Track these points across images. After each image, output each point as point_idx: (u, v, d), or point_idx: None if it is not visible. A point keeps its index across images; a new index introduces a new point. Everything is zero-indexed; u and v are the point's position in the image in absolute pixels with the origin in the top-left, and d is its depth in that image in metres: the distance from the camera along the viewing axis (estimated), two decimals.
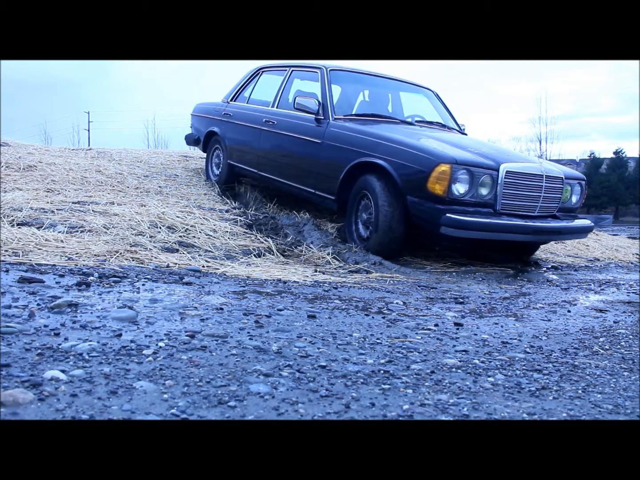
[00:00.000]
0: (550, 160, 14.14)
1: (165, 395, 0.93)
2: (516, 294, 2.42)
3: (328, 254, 3.33)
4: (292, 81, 4.67)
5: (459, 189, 3.18)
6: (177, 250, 3.06)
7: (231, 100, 5.38)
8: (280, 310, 1.80)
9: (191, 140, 5.96)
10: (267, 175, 4.58)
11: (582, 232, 3.85)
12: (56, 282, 1.96)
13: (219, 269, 2.76)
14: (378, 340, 1.44)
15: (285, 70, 4.72)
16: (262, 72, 5.13)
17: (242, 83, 5.34)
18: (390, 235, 3.39)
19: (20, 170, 4.72)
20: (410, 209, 3.31)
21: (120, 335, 1.32)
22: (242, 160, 4.96)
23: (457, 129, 4.52)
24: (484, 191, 3.26)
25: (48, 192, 4.16)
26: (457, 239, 3.49)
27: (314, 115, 3.96)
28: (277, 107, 4.62)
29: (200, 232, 3.49)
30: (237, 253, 3.26)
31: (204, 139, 5.64)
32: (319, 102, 3.97)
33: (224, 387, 0.99)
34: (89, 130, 31.88)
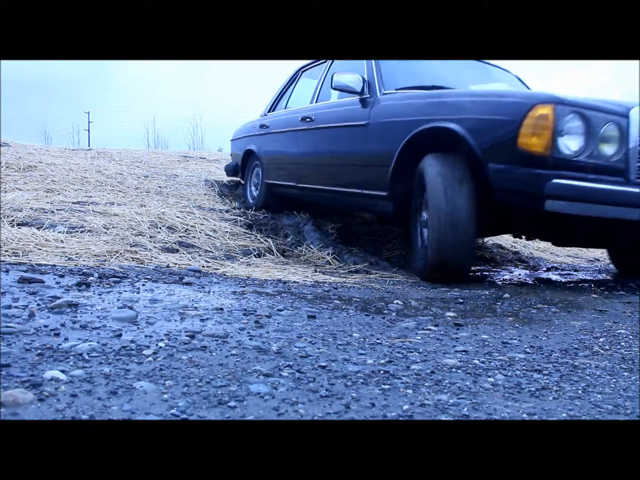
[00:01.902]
0: None
1: (165, 396, 0.93)
2: (516, 294, 2.42)
3: (328, 254, 3.32)
4: (333, 73, 3.65)
5: (569, 144, 2.13)
6: (177, 251, 3.06)
7: (269, 111, 4.84)
8: (280, 310, 1.80)
9: (230, 168, 5.37)
10: (307, 186, 3.84)
11: None
12: (56, 282, 1.96)
13: (219, 269, 2.76)
14: (378, 341, 1.44)
15: (325, 62, 3.98)
16: (302, 72, 4.50)
17: (280, 90, 4.79)
18: (452, 238, 2.33)
19: (20, 170, 4.72)
20: (494, 182, 2.29)
21: (120, 335, 1.32)
22: (279, 175, 4.29)
23: None
24: (608, 149, 2.17)
25: (48, 192, 4.16)
26: (570, 224, 2.35)
27: (357, 96, 3.15)
28: (316, 102, 3.89)
29: (200, 232, 3.49)
30: (237, 253, 3.26)
31: (241, 161, 5.07)
32: (363, 79, 3.07)
33: (224, 387, 0.99)
34: (89, 131, 31.87)
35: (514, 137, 2.18)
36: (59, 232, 3.02)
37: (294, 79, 4.62)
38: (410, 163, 2.66)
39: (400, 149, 2.70)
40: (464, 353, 1.35)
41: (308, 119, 3.77)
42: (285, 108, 4.57)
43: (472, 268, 3.76)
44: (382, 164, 2.84)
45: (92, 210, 3.64)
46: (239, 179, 5.34)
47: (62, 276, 2.09)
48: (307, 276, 2.76)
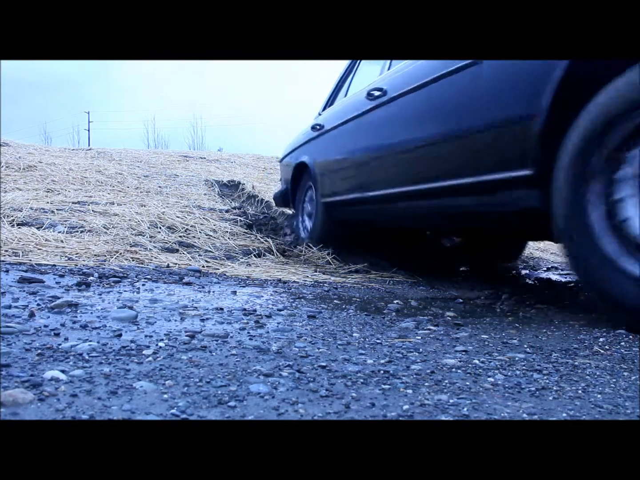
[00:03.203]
0: None
1: (165, 395, 0.93)
2: (516, 294, 2.41)
3: (328, 254, 3.32)
4: None
5: None
6: (177, 251, 3.06)
7: (324, 109, 3.89)
8: (280, 310, 1.80)
9: (278, 196, 4.44)
10: (380, 194, 2.70)
11: None
12: (56, 282, 1.96)
13: (219, 269, 2.76)
14: (378, 341, 1.44)
15: None
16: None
17: (337, 82, 3.85)
18: None
19: (20, 170, 4.72)
20: None
21: (120, 335, 1.32)
22: (340, 187, 3.23)
23: None
24: None
25: (48, 192, 4.16)
26: None
27: None
28: (388, 70, 2.83)
29: (200, 232, 3.49)
30: (237, 253, 3.26)
31: (290, 183, 4.10)
32: None
33: (224, 387, 0.99)
34: (89, 130, 31.89)
35: None
36: (59, 232, 3.02)
37: (353, 67, 3.67)
38: (570, 112, 1.57)
39: (560, 81, 1.58)
40: (464, 353, 1.35)
41: (377, 93, 2.76)
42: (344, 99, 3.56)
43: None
44: (517, 120, 1.75)
45: (92, 210, 3.64)
46: (289, 210, 4.42)
47: (62, 276, 2.09)
48: (307, 276, 2.76)
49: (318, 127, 3.68)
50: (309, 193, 3.90)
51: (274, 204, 4.84)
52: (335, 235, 3.48)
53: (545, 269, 3.88)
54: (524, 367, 1.24)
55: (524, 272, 3.64)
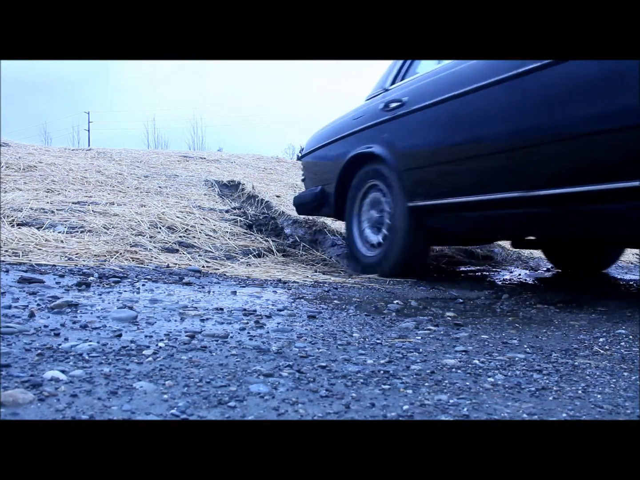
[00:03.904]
0: None
1: (165, 396, 0.93)
2: (516, 294, 2.41)
3: (328, 255, 3.32)
4: None
5: None
6: (177, 251, 3.06)
7: (392, 83, 2.96)
8: (280, 310, 1.80)
9: (306, 201, 3.50)
10: (539, 195, 1.99)
11: None
12: (56, 283, 1.96)
13: (219, 269, 2.76)
14: (378, 341, 1.44)
15: None
16: None
17: None
18: None
19: (20, 170, 4.72)
20: None
21: (120, 335, 1.32)
22: (453, 186, 2.43)
23: None
24: None
25: (48, 192, 4.16)
26: None
27: None
28: None
29: (200, 232, 3.49)
30: (237, 253, 3.26)
31: (337, 184, 3.18)
32: None
33: (224, 388, 0.99)
34: (89, 131, 31.91)
35: None
36: (59, 232, 3.02)
37: None
38: None
39: None
40: (464, 353, 1.35)
41: None
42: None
43: (472, 268, 3.76)
44: None
45: (92, 210, 3.64)
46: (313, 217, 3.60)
47: (62, 276, 2.09)
48: (307, 276, 2.76)
49: (396, 104, 2.70)
50: (372, 195, 3.00)
51: (274, 204, 4.78)
52: (424, 251, 2.77)
53: (545, 269, 3.88)
54: (524, 367, 1.24)
55: (524, 272, 3.64)
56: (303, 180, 3.81)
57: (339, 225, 4.19)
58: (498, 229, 2.60)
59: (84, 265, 2.38)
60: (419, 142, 2.66)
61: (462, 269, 3.73)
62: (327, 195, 3.38)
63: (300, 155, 3.75)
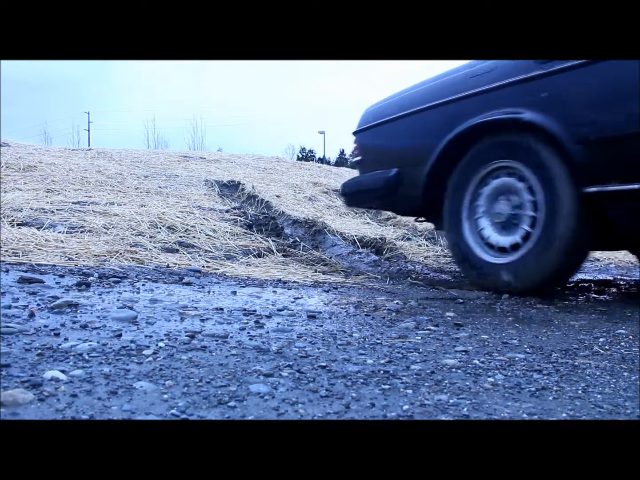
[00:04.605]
0: None
1: (165, 396, 0.93)
2: (516, 294, 2.41)
3: (328, 255, 3.32)
4: None
5: None
6: (177, 251, 3.06)
7: None
8: (280, 310, 1.80)
9: (368, 187, 2.74)
10: None
11: None
12: (56, 282, 1.96)
13: (218, 269, 2.76)
14: (378, 341, 1.44)
15: None
16: None
17: None
18: None
19: (20, 170, 4.72)
20: None
21: (120, 335, 1.32)
22: None
23: None
24: None
25: (48, 192, 4.16)
26: None
27: None
28: None
29: (200, 232, 3.49)
30: (237, 253, 3.26)
31: (432, 164, 2.41)
32: None
33: (224, 387, 0.99)
34: (89, 131, 31.92)
35: None
36: (59, 232, 3.02)
37: None
38: None
39: None
40: (464, 353, 1.35)
41: None
42: None
43: None
44: None
45: (92, 210, 3.64)
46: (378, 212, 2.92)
47: (62, 276, 2.09)
48: (307, 276, 2.76)
49: None
50: (498, 181, 2.30)
51: (274, 204, 4.76)
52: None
53: None
54: (524, 367, 1.24)
55: None
56: (358, 162, 2.96)
57: (339, 226, 4.19)
58: None
59: (84, 265, 2.38)
60: (618, 103, 1.89)
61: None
62: (410, 181, 2.51)
63: (357, 129, 2.93)
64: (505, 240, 2.30)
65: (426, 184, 2.46)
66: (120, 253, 2.72)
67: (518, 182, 2.26)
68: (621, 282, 3.21)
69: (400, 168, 2.60)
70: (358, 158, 3.00)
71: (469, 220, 2.43)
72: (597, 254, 4.68)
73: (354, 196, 2.95)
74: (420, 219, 3.01)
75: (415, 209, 2.66)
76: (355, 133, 2.95)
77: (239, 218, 4.04)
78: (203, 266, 2.77)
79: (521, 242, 2.23)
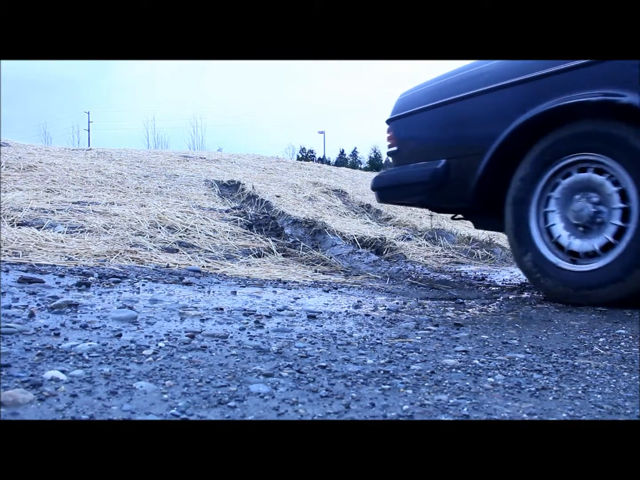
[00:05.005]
0: None
1: (165, 396, 0.93)
2: (516, 294, 2.41)
3: (328, 255, 3.33)
4: None
5: None
6: (177, 251, 3.06)
7: None
8: (280, 310, 1.80)
9: (410, 181, 2.45)
10: None
11: None
12: (56, 282, 1.96)
13: (218, 269, 2.76)
14: (378, 341, 1.44)
15: None
16: None
17: None
18: None
19: (20, 170, 4.72)
20: None
21: (120, 335, 1.32)
22: None
23: None
24: None
25: (48, 192, 4.16)
26: None
27: None
28: None
29: (200, 232, 3.49)
30: (237, 253, 3.26)
31: (492, 155, 2.08)
32: None
33: (224, 387, 0.99)
34: (89, 131, 31.93)
35: None
36: (59, 232, 3.02)
37: None
38: None
39: None
40: (464, 353, 1.35)
41: None
42: None
43: (472, 268, 3.76)
44: None
45: (92, 210, 3.64)
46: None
47: (62, 276, 2.09)
48: (307, 276, 2.76)
49: None
50: (574, 178, 2.03)
51: (274, 204, 4.76)
52: None
53: None
54: (524, 367, 1.24)
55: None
56: (393, 153, 2.62)
57: (339, 226, 4.19)
58: None
59: (84, 265, 2.38)
60: None
61: (463, 269, 3.73)
62: (462, 174, 2.19)
63: (391, 117, 2.62)
64: (584, 245, 2.04)
65: (481, 178, 2.15)
66: (120, 253, 2.72)
67: (605, 180, 1.95)
68: None
69: (448, 159, 2.28)
70: (393, 149, 2.65)
71: (538, 218, 2.12)
72: None
73: (390, 191, 2.63)
74: (458, 216, 2.74)
75: (462, 205, 2.37)
76: (389, 121, 2.61)
77: (239, 218, 4.04)
78: (203, 266, 2.77)
79: (611, 242, 1.97)
